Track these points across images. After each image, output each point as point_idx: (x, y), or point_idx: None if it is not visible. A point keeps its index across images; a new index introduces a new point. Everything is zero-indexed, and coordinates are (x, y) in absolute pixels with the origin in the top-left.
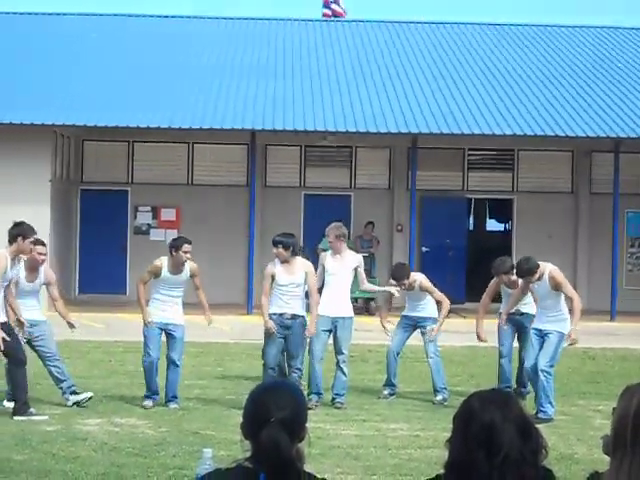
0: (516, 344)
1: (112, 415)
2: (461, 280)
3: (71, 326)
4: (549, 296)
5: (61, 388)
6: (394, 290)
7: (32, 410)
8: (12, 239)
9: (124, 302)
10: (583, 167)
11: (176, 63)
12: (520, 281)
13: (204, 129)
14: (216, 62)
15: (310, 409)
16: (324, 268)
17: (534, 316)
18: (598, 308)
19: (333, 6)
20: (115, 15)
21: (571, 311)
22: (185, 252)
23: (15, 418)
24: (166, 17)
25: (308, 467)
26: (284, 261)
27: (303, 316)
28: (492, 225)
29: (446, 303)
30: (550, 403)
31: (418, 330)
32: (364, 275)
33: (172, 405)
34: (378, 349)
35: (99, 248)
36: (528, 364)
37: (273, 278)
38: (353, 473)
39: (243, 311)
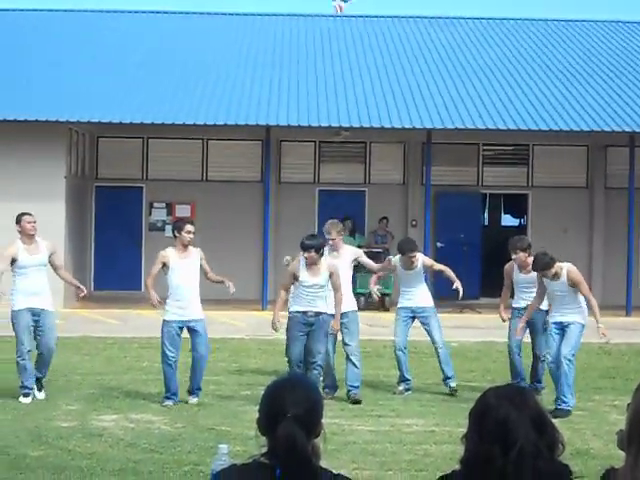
0: (527, 339)
1: (128, 411)
2: (476, 276)
3: (80, 291)
4: (568, 293)
5: (38, 379)
6: (375, 292)
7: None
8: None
9: (139, 298)
10: (598, 162)
11: (190, 60)
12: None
13: (218, 125)
14: (230, 58)
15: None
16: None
17: (545, 311)
18: (613, 303)
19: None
20: (130, 12)
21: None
22: (188, 232)
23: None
24: (181, 13)
25: (324, 463)
26: (312, 264)
27: (326, 312)
28: (507, 220)
29: (448, 269)
30: (571, 393)
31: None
32: (369, 260)
33: (193, 399)
34: (393, 345)
35: (114, 245)
36: (550, 357)
37: (295, 278)
38: (369, 469)
39: (258, 307)
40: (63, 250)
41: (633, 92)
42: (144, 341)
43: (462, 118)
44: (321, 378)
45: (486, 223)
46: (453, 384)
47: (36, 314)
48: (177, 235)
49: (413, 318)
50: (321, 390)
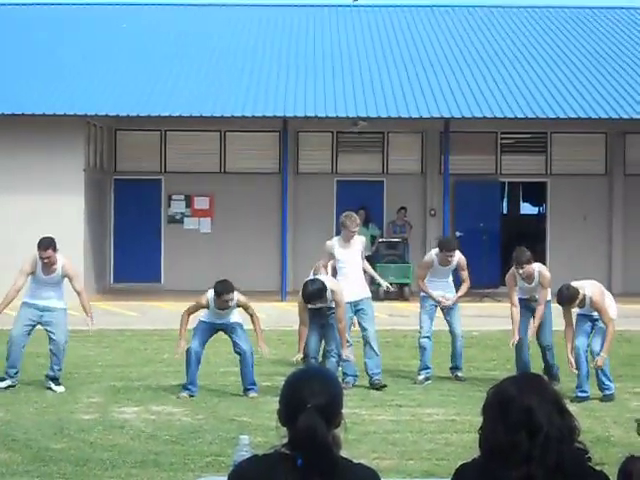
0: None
1: (149, 403)
2: (495, 264)
3: (88, 323)
4: (596, 313)
5: (52, 378)
6: (385, 285)
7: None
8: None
9: (158, 290)
10: (617, 149)
11: (207, 51)
12: (536, 271)
13: (236, 117)
14: (246, 49)
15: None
16: (334, 257)
17: (549, 302)
18: (634, 290)
19: None
20: (146, 4)
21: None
22: (225, 301)
23: None
24: (197, 5)
25: (344, 453)
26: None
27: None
28: (526, 208)
29: (468, 284)
30: (610, 380)
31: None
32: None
33: (251, 394)
34: (413, 334)
35: (133, 237)
36: (577, 343)
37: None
38: (389, 458)
39: (278, 298)
40: (82, 240)
41: None
42: (164, 333)
43: (480, 107)
44: (339, 368)
45: (505, 212)
46: (460, 374)
47: (42, 309)
48: (216, 298)
49: (436, 307)
50: (341, 381)
